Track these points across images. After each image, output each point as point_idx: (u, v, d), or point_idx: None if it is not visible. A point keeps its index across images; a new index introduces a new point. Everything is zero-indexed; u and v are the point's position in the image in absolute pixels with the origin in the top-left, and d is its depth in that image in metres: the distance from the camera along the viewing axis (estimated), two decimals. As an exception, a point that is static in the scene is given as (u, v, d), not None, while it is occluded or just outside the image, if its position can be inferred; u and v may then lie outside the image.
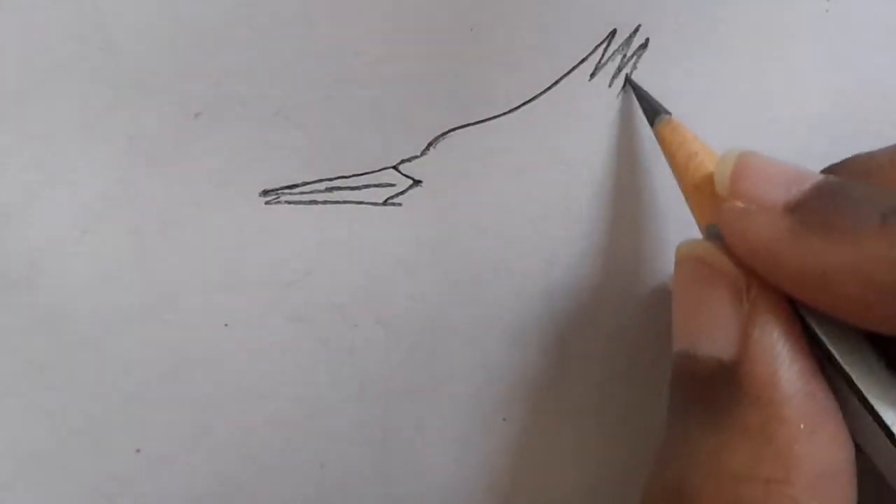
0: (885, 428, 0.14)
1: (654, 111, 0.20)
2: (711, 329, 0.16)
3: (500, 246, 0.21)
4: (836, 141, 0.23)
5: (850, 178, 0.20)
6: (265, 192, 0.19)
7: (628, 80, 0.20)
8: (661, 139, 0.19)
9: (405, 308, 0.21)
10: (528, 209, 0.21)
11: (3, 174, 0.16)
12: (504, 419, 0.24)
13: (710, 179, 0.17)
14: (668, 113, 0.19)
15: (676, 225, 0.23)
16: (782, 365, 0.15)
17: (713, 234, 0.17)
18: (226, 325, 0.20)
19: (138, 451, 0.20)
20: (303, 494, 0.23)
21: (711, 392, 0.15)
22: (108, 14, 0.16)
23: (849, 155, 0.23)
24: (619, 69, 0.20)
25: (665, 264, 0.23)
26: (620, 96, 0.20)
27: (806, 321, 0.16)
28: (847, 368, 0.15)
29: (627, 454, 0.25)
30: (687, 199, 0.18)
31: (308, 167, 0.19)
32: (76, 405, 0.19)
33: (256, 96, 0.17)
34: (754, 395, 0.15)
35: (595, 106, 0.20)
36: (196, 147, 0.17)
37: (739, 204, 0.16)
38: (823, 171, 0.21)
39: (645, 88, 0.20)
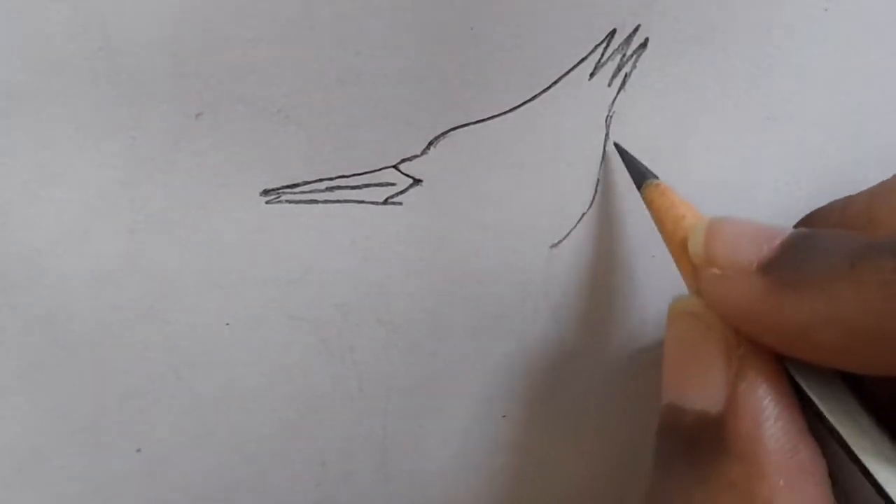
0: (873, 481, 0.15)
1: (641, 175, 0.20)
2: (700, 383, 0.16)
3: (501, 245, 0.21)
4: (835, 140, 0.23)
5: (826, 227, 0.20)
6: (266, 192, 0.19)
7: (615, 145, 0.21)
8: (648, 203, 0.20)
9: (405, 307, 0.21)
10: (528, 208, 0.21)
11: (3, 174, 0.16)
12: (504, 417, 0.24)
13: None
14: (655, 177, 0.20)
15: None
16: (766, 421, 0.15)
17: None
18: (226, 324, 0.20)
19: (138, 450, 0.20)
20: (303, 493, 0.23)
21: (697, 445, 0.16)
22: (108, 14, 0.16)
23: (843, 154, 0.23)
24: (619, 68, 0.20)
25: (666, 259, 0.23)
26: (618, 99, 0.21)
27: (794, 377, 0.16)
28: (835, 423, 0.15)
29: (626, 452, 0.26)
30: (675, 260, 0.18)
31: (309, 166, 0.19)
32: (76, 405, 0.19)
33: (257, 96, 0.17)
34: (738, 450, 0.15)
35: (595, 105, 0.20)
36: (196, 147, 0.17)
37: (715, 271, 0.16)
38: (800, 222, 0.21)
39: (631, 152, 0.20)
